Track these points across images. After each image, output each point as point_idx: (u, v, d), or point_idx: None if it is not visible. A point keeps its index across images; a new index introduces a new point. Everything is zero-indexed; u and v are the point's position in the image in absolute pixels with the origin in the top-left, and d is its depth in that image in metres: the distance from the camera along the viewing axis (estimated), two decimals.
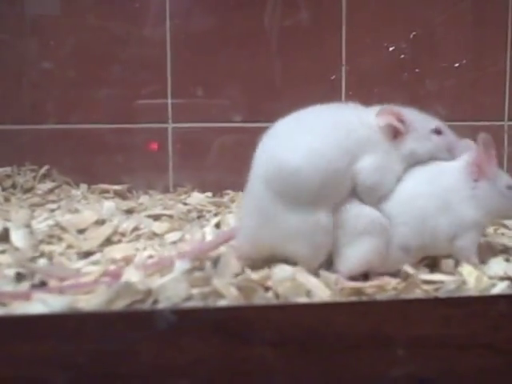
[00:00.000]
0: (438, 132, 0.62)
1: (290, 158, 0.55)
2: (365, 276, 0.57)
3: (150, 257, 0.61)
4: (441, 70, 1.09)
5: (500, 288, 0.50)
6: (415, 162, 0.60)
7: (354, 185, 0.57)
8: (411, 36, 1.07)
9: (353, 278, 0.55)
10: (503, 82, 1.10)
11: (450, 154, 0.62)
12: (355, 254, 0.56)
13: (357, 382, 0.45)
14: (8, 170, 0.99)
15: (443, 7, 1.08)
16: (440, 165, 0.60)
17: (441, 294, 0.49)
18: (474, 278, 0.51)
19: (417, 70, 1.08)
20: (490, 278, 0.52)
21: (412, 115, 0.61)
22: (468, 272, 0.52)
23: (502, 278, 0.52)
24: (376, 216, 0.57)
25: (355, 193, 0.57)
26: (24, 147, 1.04)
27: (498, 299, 0.47)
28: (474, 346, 0.46)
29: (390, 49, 1.07)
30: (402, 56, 1.07)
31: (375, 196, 0.58)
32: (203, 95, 1.05)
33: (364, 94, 1.06)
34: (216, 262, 0.55)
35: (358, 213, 0.57)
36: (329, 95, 1.06)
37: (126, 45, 1.04)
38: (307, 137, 0.57)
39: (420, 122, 0.61)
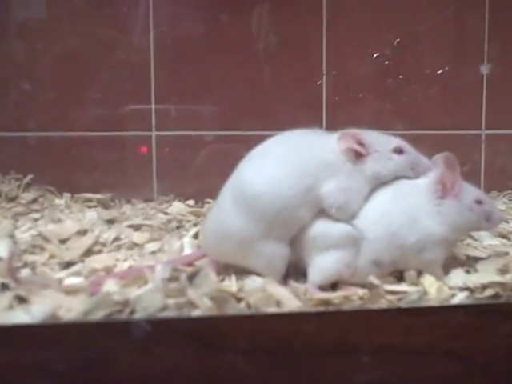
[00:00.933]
0: (399, 151, 0.63)
1: (253, 183, 0.59)
2: (334, 286, 0.59)
3: (130, 267, 0.63)
4: (419, 78, 1.11)
5: (459, 298, 0.52)
6: (380, 181, 0.62)
7: (321, 207, 0.60)
8: (395, 43, 1.10)
9: (322, 288, 0.58)
10: (480, 91, 1.13)
11: (414, 172, 0.63)
12: (325, 266, 0.59)
13: None
14: None
15: (425, 16, 1.10)
16: (406, 183, 0.63)
17: (403, 304, 0.51)
18: (435, 289, 0.54)
19: (400, 77, 1.10)
20: (451, 288, 0.55)
21: (372, 137, 0.63)
22: (429, 283, 0.55)
23: (462, 289, 0.54)
24: (346, 229, 0.60)
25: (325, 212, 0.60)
26: (8, 155, 1.04)
27: (458, 309, 0.50)
28: (434, 353, 0.48)
29: (375, 55, 1.09)
30: (387, 62, 1.09)
31: (344, 215, 0.60)
32: (187, 103, 1.07)
33: (349, 100, 1.08)
34: (194, 274, 0.58)
35: (329, 227, 0.60)
36: (313, 102, 1.08)
37: (111, 53, 1.05)
38: (270, 163, 0.60)
39: (380, 143, 0.63)
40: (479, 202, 0.62)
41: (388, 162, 0.63)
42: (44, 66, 1.04)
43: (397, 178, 0.63)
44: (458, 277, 0.57)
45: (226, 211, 0.61)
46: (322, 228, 0.60)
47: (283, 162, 0.60)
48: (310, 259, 0.60)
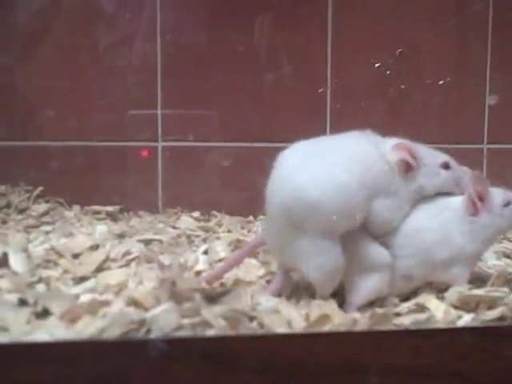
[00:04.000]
0: (446, 167, 0.64)
1: (311, 190, 0.57)
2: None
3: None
4: (420, 89, 1.12)
5: (465, 321, 0.54)
6: (422, 196, 0.63)
7: (365, 218, 0.60)
8: (397, 53, 1.11)
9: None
10: (483, 105, 1.14)
11: (458, 188, 0.65)
12: (365, 287, 0.61)
13: None
14: (2, 188, 1.02)
15: (427, 27, 1.11)
16: (440, 200, 0.64)
17: (411, 326, 0.53)
18: (441, 312, 0.55)
19: (402, 87, 1.11)
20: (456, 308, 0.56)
21: (422, 150, 0.63)
22: (435, 306, 0.56)
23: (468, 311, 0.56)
24: (383, 254, 0.61)
25: (363, 225, 0.61)
26: (16, 165, 1.06)
27: (464, 331, 0.51)
28: (441, 374, 0.50)
29: (376, 65, 1.10)
30: (388, 72, 1.10)
31: (382, 231, 0.62)
32: (193, 113, 1.08)
33: (350, 109, 1.10)
34: (224, 293, 0.59)
35: (367, 249, 0.61)
36: (317, 111, 1.09)
37: (118, 63, 1.07)
38: (329, 170, 0.58)
39: (429, 157, 0.64)
40: (507, 204, 0.64)
41: (435, 177, 0.63)
42: (52, 76, 1.05)
43: (438, 192, 0.64)
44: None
45: (278, 220, 0.59)
46: (360, 250, 0.61)
47: (345, 169, 0.58)
48: (348, 279, 0.61)
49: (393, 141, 0.63)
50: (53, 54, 1.05)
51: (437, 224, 0.63)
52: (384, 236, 0.62)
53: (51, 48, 1.05)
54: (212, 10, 1.08)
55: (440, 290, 0.63)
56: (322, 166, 0.59)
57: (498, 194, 0.65)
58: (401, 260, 0.62)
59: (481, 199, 0.63)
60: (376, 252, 0.61)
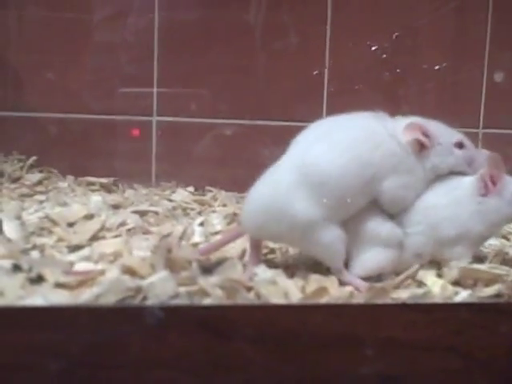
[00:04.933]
0: (460, 146, 0.63)
1: (321, 167, 0.58)
2: None
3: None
4: (416, 73, 1.11)
5: (462, 296, 0.54)
6: (436, 175, 0.63)
7: (377, 196, 0.60)
8: (394, 37, 1.10)
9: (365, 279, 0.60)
10: (479, 89, 1.13)
11: (470, 168, 0.64)
12: (371, 261, 0.61)
13: (329, 379, 0.49)
14: None
15: (425, 11, 1.11)
16: (453, 179, 0.64)
17: (408, 300, 0.53)
18: (439, 287, 0.55)
19: (398, 71, 1.11)
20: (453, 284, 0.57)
21: (436, 129, 0.63)
22: (432, 282, 0.57)
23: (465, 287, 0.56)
24: (394, 231, 0.61)
25: (377, 203, 0.61)
26: (10, 135, 1.05)
27: (460, 307, 0.51)
28: (437, 348, 0.50)
29: (373, 48, 1.10)
30: (384, 56, 1.10)
31: (396, 209, 0.62)
32: (188, 89, 1.07)
33: (346, 91, 1.09)
34: (220, 262, 0.59)
35: (378, 225, 0.61)
36: (313, 92, 1.09)
37: (115, 36, 1.06)
38: (337, 148, 0.59)
39: (443, 135, 0.63)
40: None
41: (449, 157, 0.63)
42: (47, 47, 1.04)
43: (451, 172, 0.64)
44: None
45: (286, 190, 0.58)
46: (373, 225, 0.61)
47: (350, 149, 0.59)
48: (356, 252, 0.61)
49: (405, 120, 0.63)
50: (50, 26, 1.04)
51: (446, 201, 0.63)
52: (398, 214, 0.62)
53: (49, 20, 1.04)
54: None
55: (439, 265, 0.63)
56: (329, 148, 0.59)
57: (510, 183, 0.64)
58: (412, 238, 0.62)
59: (493, 182, 0.62)
60: (387, 229, 0.61)
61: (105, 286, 0.49)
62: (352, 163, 0.58)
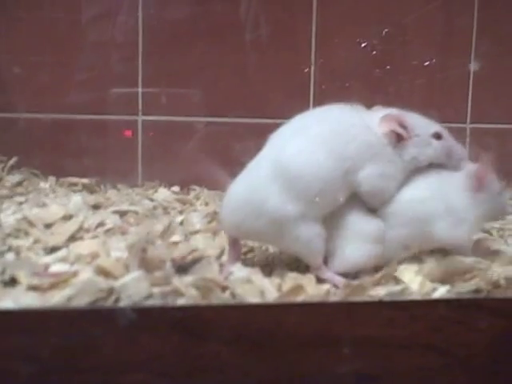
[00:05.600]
0: (438, 137, 0.63)
1: (296, 162, 0.57)
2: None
3: None
4: (405, 69, 1.11)
5: (440, 292, 0.53)
6: (415, 167, 0.62)
7: (356, 190, 0.59)
8: (383, 33, 1.10)
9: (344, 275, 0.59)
10: (467, 84, 1.13)
11: (449, 159, 0.64)
12: (352, 256, 0.60)
13: (306, 378, 0.48)
14: None
15: (414, 7, 1.11)
16: (440, 173, 0.64)
17: (385, 298, 0.52)
18: (416, 283, 0.54)
19: (383, 68, 1.11)
20: (432, 281, 0.56)
21: (414, 120, 0.62)
22: (409, 279, 0.56)
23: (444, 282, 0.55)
24: (375, 225, 0.61)
25: (358, 197, 0.60)
26: None
27: (438, 303, 0.51)
28: (415, 345, 0.49)
29: (363, 45, 1.09)
30: (374, 52, 1.10)
31: (378, 201, 0.61)
32: (174, 88, 1.07)
33: (335, 88, 1.09)
34: (196, 261, 0.58)
35: (358, 219, 0.60)
36: (301, 90, 1.08)
37: (98, 35, 1.05)
38: (312, 142, 0.58)
39: (421, 126, 0.62)
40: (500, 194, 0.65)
41: (427, 148, 0.62)
42: (28, 47, 1.03)
43: (430, 163, 0.63)
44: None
45: (263, 187, 0.57)
46: (352, 219, 0.60)
47: (325, 142, 0.58)
48: (336, 247, 0.60)
49: (381, 111, 0.62)
50: (30, 26, 1.03)
51: (438, 195, 0.62)
52: (380, 206, 0.61)
53: (31, 20, 1.03)
54: None
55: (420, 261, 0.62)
56: (303, 142, 0.58)
57: (494, 181, 0.64)
58: (397, 229, 0.61)
59: (483, 179, 0.63)
60: (367, 223, 0.60)
61: (77, 288, 0.49)
62: (327, 157, 0.57)
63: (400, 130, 0.60)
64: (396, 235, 0.61)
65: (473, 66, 1.12)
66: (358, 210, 0.60)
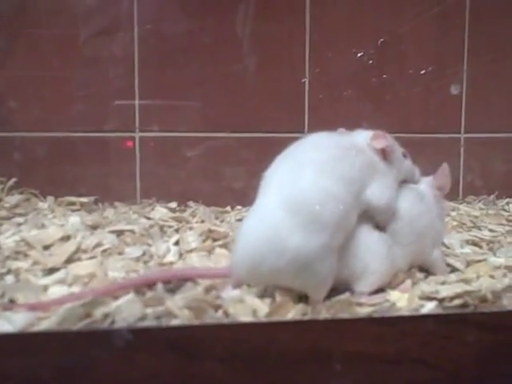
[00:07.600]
0: (405, 155, 0.67)
1: (312, 196, 0.56)
2: None
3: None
4: (400, 80, 1.13)
5: (428, 308, 0.54)
6: (398, 181, 0.66)
7: (366, 208, 0.61)
8: (379, 43, 1.11)
9: None
10: (460, 95, 1.15)
11: (410, 177, 0.68)
12: (372, 275, 0.61)
13: None
14: None
15: (409, 17, 1.12)
16: (415, 188, 0.68)
17: (375, 314, 0.53)
18: (405, 301, 0.56)
19: (384, 76, 1.12)
20: (420, 298, 0.57)
21: (391, 139, 0.66)
22: (397, 297, 0.57)
23: (430, 299, 0.56)
24: (383, 241, 0.62)
25: (365, 216, 0.61)
26: None
27: (427, 318, 0.52)
28: (405, 360, 0.50)
29: (359, 54, 1.11)
30: (370, 62, 1.11)
31: (388, 214, 0.63)
32: (171, 104, 1.08)
33: (331, 99, 1.10)
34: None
35: (369, 239, 0.62)
36: (297, 101, 1.09)
37: (96, 52, 1.06)
38: (321, 173, 0.58)
39: (396, 145, 0.66)
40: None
41: (402, 165, 0.67)
42: (24, 65, 1.04)
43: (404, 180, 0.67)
44: (427, 286, 0.59)
45: (281, 225, 0.55)
46: (367, 240, 0.61)
47: (332, 171, 0.58)
48: (356, 269, 0.60)
49: (364, 133, 0.65)
50: (27, 44, 1.04)
51: (423, 210, 0.66)
52: (391, 221, 0.63)
53: (26, 37, 1.04)
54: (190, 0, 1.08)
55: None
56: (312, 175, 0.58)
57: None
58: (402, 249, 0.64)
59: (445, 188, 0.68)
60: (379, 241, 0.62)
61: (73, 311, 0.50)
62: (338, 184, 0.57)
63: (390, 148, 0.64)
64: (401, 255, 0.64)
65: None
66: (368, 230, 0.62)
